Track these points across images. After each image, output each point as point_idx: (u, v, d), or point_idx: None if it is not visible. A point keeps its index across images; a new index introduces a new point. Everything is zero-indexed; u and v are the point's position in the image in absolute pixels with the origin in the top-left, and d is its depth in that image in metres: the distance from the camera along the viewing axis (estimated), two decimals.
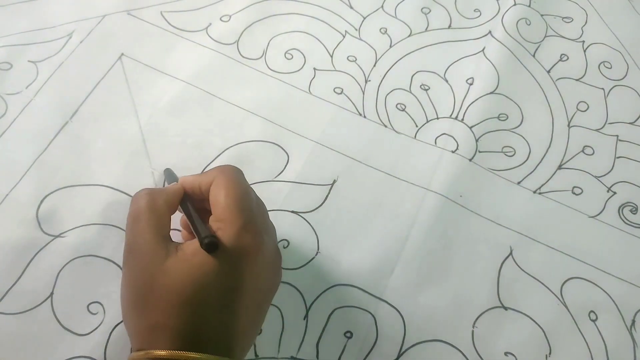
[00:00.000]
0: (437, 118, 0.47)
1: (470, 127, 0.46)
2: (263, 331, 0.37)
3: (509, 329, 0.39)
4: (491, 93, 0.48)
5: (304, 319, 0.38)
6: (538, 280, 0.41)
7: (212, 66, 0.47)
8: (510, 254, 0.42)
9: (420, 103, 0.47)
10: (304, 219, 0.41)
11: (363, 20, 0.51)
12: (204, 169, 0.42)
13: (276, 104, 0.46)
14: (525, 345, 0.39)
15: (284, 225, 0.40)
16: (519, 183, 0.44)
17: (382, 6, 0.52)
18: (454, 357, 0.38)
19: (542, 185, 0.45)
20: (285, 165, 0.43)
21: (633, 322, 0.40)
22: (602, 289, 0.41)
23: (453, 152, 0.45)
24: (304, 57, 0.48)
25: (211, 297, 0.29)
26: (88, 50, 0.46)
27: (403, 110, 0.47)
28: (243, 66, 0.47)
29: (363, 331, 0.38)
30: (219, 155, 0.43)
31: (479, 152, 0.45)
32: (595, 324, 0.40)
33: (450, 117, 0.47)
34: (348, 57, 0.49)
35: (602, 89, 0.50)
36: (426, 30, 0.51)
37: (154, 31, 0.48)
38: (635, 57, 0.52)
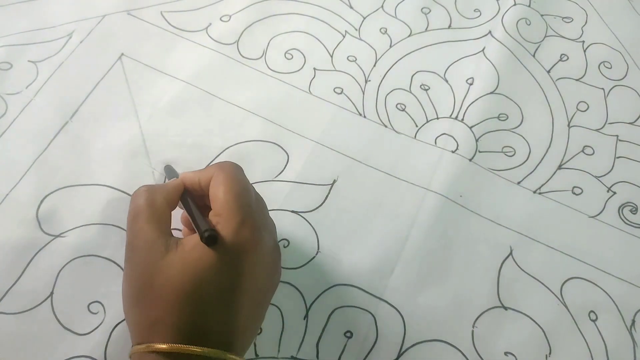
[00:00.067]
0: (437, 118, 0.47)
1: (470, 127, 0.46)
2: (263, 331, 0.37)
3: (509, 329, 0.39)
4: (491, 93, 0.48)
5: (304, 319, 0.38)
6: (538, 280, 0.41)
7: (212, 66, 0.47)
8: (510, 254, 0.42)
9: (420, 103, 0.47)
10: (304, 218, 0.41)
11: (363, 20, 0.51)
12: None
13: (276, 104, 0.46)
14: (525, 345, 0.39)
15: (284, 225, 0.40)
16: (519, 183, 0.45)
17: (382, 6, 0.52)
18: (454, 357, 0.38)
19: (542, 185, 0.45)
20: (285, 165, 0.43)
21: (633, 322, 0.40)
22: (602, 289, 0.41)
23: (453, 152, 0.45)
24: (304, 57, 0.48)
25: (210, 291, 0.29)
26: (88, 50, 0.46)
27: (403, 110, 0.47)
28: (243, 66, 0.47)
29: (363, 331, 0.38)
30: (219, 155, 0.43)
31: (479, 152, 0.45)
32: (595, 324, 0.40)
33: (450, 117, 0.47)
34: (348, 57, 0.49)
35: (602, 89, 0.50)
36: (426, 30, 0.51)
37: (154, 31, 0.48)
38: (635, 57, 0.52)
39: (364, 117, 0.46)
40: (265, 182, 0.42)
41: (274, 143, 0.44)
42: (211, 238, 0.29)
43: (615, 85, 0.50)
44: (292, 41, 0.49)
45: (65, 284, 0.37)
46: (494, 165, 0.45)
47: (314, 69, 0.48)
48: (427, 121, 0.46)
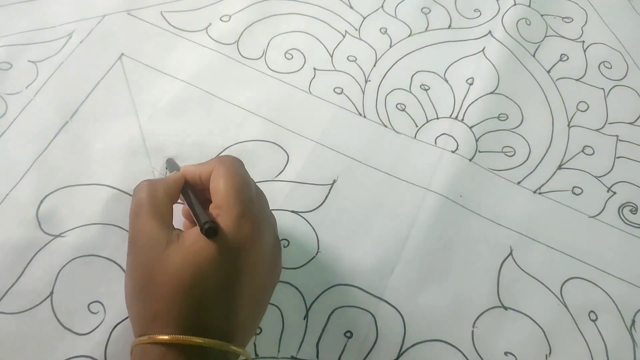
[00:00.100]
0: (437, 118, 0.47)
1: (470, 127, 0.46)
2: (263, 331, 0.37)
3: (509, 329, 0.39)
4: (491, 93, 0.48)
5: (304, 319, 0.38)
6: (538, 280, 0.41)
7: (212, 66, 0.47)
8: (510, 254, 0.42)
9: (420, 103, 0.47)
10: (304, 218, 0.41)
11: (363, 20, 0.51)
12: None
13: (276, 104, 0.46)
14: (525, 345, 0.38)
15: (284, 225, 0.40)
16: (519, 183, 0.45)
17: (382, 6, 0.52)
18: (454, 357, 0.38)
19: (542, 185, 0.45)
20: (285, 165, 0.43)
21: (633, 322, 0.40)
22: (602, 289, 0.41)
23: (453, 152, 0.45)
24: (304, 57, 0.48)
25: (210, 283, 0.29)
26: (88, 50, 0.46)
27: (403, 110, 0.47)
28: (243, 66, 0.47)
29: (363, 331, 0.38)
30: (219, 154, 0.43)
31: (479, 152, 0.45)
32: (595, 324, 0.40)
33: (450, 117, 0.47)
34: (348, 57, 0.49)
35: (602, 89, 0.50)
36: (426, 30, 0.51)
37: (154, 31, 0.48)
38: (635, 57, 0.52)
39: (364, 117, 0.46)
40: (265, 182, 0.42)
41: (274, 143, 0.44)
42: (211, 230, 0.29)
43: (615, 85, 0.50)
44: (292, 41, 0.49)
45: (65, 284, 0.37)
46: (494, 165, 0.45)
47: (314, 69, 0.48)
48: (427, 121, 0.46)
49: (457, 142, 0.45)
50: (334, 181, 0.43)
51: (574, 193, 0.45)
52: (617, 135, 0.48)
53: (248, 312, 0.31)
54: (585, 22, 0.54)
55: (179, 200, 0.34)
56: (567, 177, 0.45)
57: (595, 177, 0.45)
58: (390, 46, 0.50)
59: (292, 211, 0.41)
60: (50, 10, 0.48)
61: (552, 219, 0.43)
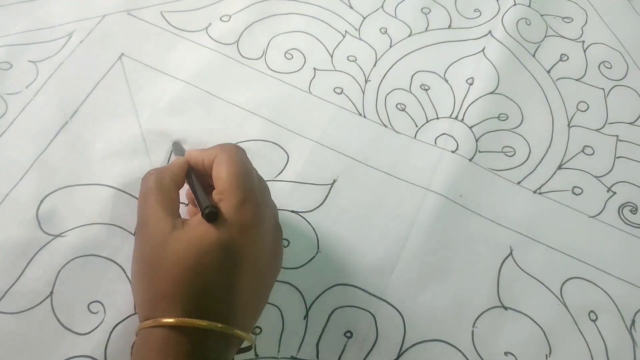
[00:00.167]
0: (437, 118, 0.47)
1: (470, 127, 0.46)
2: (263, 331, 0.37)
3: (509, 329, 0.39)
4: (491, 93, 0.48)
5: (304, 319, 0.38)
6: (538, 280, 0.41)
7: (212, 66, 0.47)
8: (510, 254, 0.42)
9: (420, 103, 0.47)
10: (304, 218, 0.41)
11: (363, 20, 0.51)
12: None
13: (276, 104, 0.46)
14: (525, 345, 0.38)
15: (284, 225, 0.40)
16: (519, 183, 0.44)
17: (382, 6, 0.52)
18: (454, 357, 0.38)
19: (542, 185, 0.45)
20: (285, 165, 0.43)
21: (633, 322, 0.40)
22: (602, 289, 0.41)
23: (453, 152, 0.45)
24: (304, 57, 0.48)
25: (211, 267, 0.29)
26: (88, 50, 0.46)
27: (403, 110, 0.47)
28: (243, 66, 0.47)
29: (363, 331, 0.38)
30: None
31: (479, 152, 0.45)
32: (595, 324, 0.40)
33: (450, 117, 0.47)
34: (348, 57, 0.49)
35: (602, 89, 0.50)
36: (426, 30, 0.51)
37: (154, 31, 0.48)
38: (635, 57, 0.52)
39: (364, 117, 0.46)
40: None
41: (274, 143, 0.44)
42: (211, 214, 0.30)
43: (615, 85, 0.50)
44: (292, 41, 0.49)
45: (65, 284, 0.37)
46: (494, 165, 0.45)
47: (314, 69, 0.48)
48: (427, 121, 0.46)
49: (457, 142, 0.45)
50: (334, 181, 0.43)
51: (574, 193, 0.45)
52: (617, 135, 0.48)
53: (249, 297, 0.31)
54: (585, 22, 0.54)
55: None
56: (567, 177, 0.45)
57: (595, 177, 0.45)
58: (390, 46, 0.50)
59: (292, 211, 0.41)
60: (50, 10, 0.48)
61: (552, 219, 0.43)
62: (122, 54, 0.46)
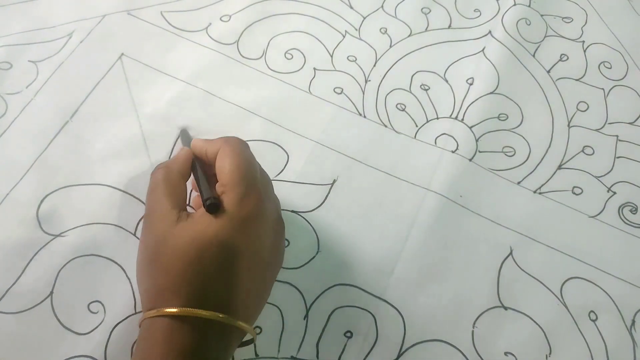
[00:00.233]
0: (437, 118, 0.47)
1: (470, 127, 0.46)
2: (263, 331, 0.37)
3: (509, 329, 0.39)
4: (491, 93, 0.48)
5: (304, 319, 0.38)
6: (538, 280, 0.41)
7: (212, 66, 0.47)
8: (510, 254, 0.42)
9: (420, 103, 0.47)
10: (304, 218, 0.41)
11: (363, 20, 0.51)
12: None
13: (276, 104, 0.46)
14: (525, 345, 0.38)
15: None
16: (519, 183, 0.45)
17: (382, 6, 0.52)
18: (454, 357, 0.38)
19: (542, 185, 0.45)
20: (285, 165, 0.43)
21: (633, 322, 0.40)
22: (602, 289, 0.41)
23: (453, 152, 0.45)
24: (304, 57, 0.48)
25: (212, 259, 0.30)
26: (88, 50, 0.46)
27: (403, 110, 0.47)
28: (243, 66, 0.47)
29: (363, 331, 0.38)
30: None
31: (479, 152, 0.45)
32: (595, 324, 0.40)
33: (450, 117, 0.47)
34: (348, 57, 0.49)
35: (602, 89, 0.50)
36: (426, 30, 0.51)
37: (154, 31, 0.48)
38: (635, 57, 0.52)
39: (364, 117, 0.46)
40: None
41: (274, 143, 0.44)
42: (212, 206, 0.30)
43: (615, 85, 0.50)
44: (292, 41, 0.49)
45: (65, 284, 0.37)
46: (494, 165, 0.45)
47: (314, 69, 0.48)
48: (427, 121, 0.46)
49: (457, 142, 0.45)
50: (334, 181, 0.43)
51: (574, 193, 0.45)
52: (617, 135, 0.48)
53: (250, 289, 0.31)
54: (585, 22, 0.54)
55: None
56: (567, 177, 0.45)
57: (595, 177, 0.45)
58: (390, 46, 0.50)
59: (292, 211, 0.41)
60: (50, 10, 0.48)
61: (552, 219, 0.43)
62: (122, 54, 0.46)
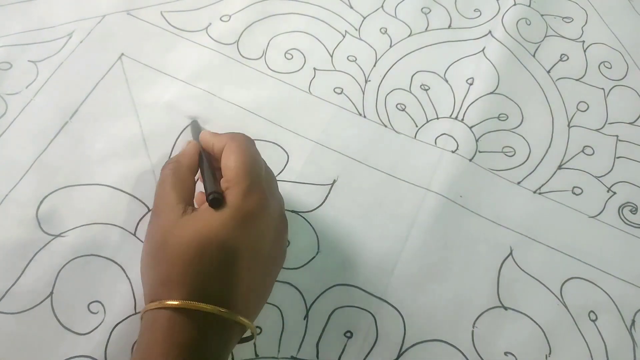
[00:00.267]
0: (437, 118, 0.47)
1: (470, 127, 0.46)
2: (263, 331, 0.37)
3: (509, 329, 0.39)
4: (491, 93, 0.48)
5: (304, 319, 0.38)
6: (538, 280, 0.41)
7: (212, 66, 0.47)
8: (510, 254, 0.42)
9: (420, 103, 0.47)
10: (304, 218, 0.41)
11: (363, 20, 0.51)
12: None
13: (276, 104, 0.46)
14: (525, 345, 0.38)
15: None
16: (519, 183, 0.44)
17: (382, 6, 0.52)
18: (454, 357, 0.38)
19: (542, 185, 0.45)
20: (285, 165, 0.43)
21: (633, 322, 0.40)
22: (602, 289, 0.41)
23: (453, 152, 0.45)
24: (304, 57, 0.48)
25: (214, 254, 0.30)
26: (88, 50, 0.46)
27: (403, 110, 0.47)
28: (243, 66, 0.47)
29: (363, 331, 0.38)
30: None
31: (479, 152, 0.45)
32: (595, 324, 0.40)
33: (450, 117, 0.47)
34: (348, 57, 0.49)
35: (602, 89, 0.50)
36: (426, 30, 0.51)
37: (154, 31, 0.48)
38: (635, 57, 0.52)
39: (364, 117, 0.46)
40: None
41: (274, 143, 0.44)
42: (215, 200, 0.31)
43: (615, 85, 0.50)
44: (292, 41, 0.49)
45: (65, 284, 0.37)
46: (494, 165, 0.45)
47: (314, 69, 0.48)
48: (427, 121, 0.46)
49: (457, 142, 0.45)
50: (334, 181, 0.43)
51: (574, 193, 0.45)
52: (617, 135, 0.48)
53: (251, 285, 0.31)
54: (585, 22, 0.54)
55: None
56: (567, 177, 0.45)
57: (595, 177, 0.45)
58: (390, 46, 0.50)
59: (292, 211, 0.41)
60: (50, 10, 0.48)
61: (552, 219, 0.43)
62: (122, 54, 0.46)
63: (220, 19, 0.49)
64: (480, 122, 0.46)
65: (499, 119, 0.47)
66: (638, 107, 0.49)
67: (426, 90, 0.48)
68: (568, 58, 0.51)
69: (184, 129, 0.43)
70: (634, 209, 0.44)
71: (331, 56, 0.49)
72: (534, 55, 0.51)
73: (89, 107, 0.44)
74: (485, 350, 0.38)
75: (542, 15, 0.53)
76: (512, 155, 0.46)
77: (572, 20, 0.54)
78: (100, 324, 0.36)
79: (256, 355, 0.36)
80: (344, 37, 0.50)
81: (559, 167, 0.46)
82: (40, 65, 0.45)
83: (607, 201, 0.45)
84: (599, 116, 0.49)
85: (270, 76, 0.47)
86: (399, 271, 0.40)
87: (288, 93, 0.46)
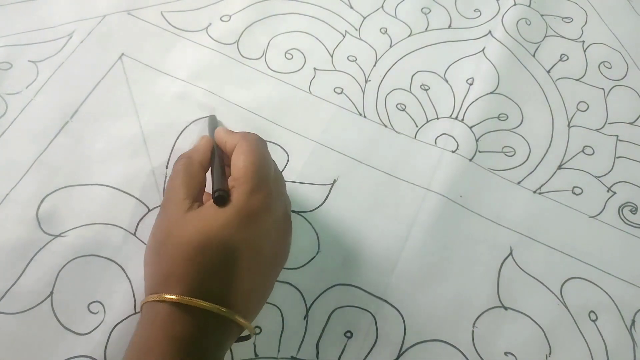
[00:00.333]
0: (437, 118, 0.47)
1: (471, 127, 0.46)
2: (263, 331, 0.37)
3: (509, 329, 0.39)
4: (491, 93, 0.48)
5: (304, 319, 0.38)
6: (538, 280, 0.41)
7: (212, 66, 0.47)
8: (510, 254, 0.42)
9: (420, 103, 0.47)
10: (305, 218, 0.41)
11: (363, 20, 0.51)
12: None
13: (276, 104, 0.46)
14: (525, 345, 0.39)
15: None
16: (519, 183, 0.44)
17: (382, 6, 0.52)
18: (454, 357, 0.38)
19: (542, 185, 0.45)
20: (286, 165, 0.43)
21: (633, 322, 0.40)
22: (602, 289, 0.41)
23: (453, 152, 0.45)
24: (304, 57, 0.48)
25: (215, 251, 0.30)
26: (88, 50, 0.46)
27: (403, 110, 0.47)
28: (243, 66, 0.47)
29: (363, 331, 0.38)
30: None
31: (479, 152, 0.45)
32: (595, 324, 0.40)
33: (450, 117, 0.47)
34: (348, 57, 0.49)
35: (602, 89, 0.50)
36: (426, 30, 0.51)
37: (154, 31, 0.48)
38: (635, 57, 0.52)
39: (364, 117, 0.46)
40: None
41: (274, 143, 0.44)
42: (220, 198, 0.31)
43: (615, 85, 0.50)
44: (292, 41, 0.49)
45: (65, 284, 0.37)
46: (494, 165, 0.45)
47: (314, 69, 0.48)
48: (427, 121, 0.46)
49: (457, 142, 0.45)
50: (334, 181, 0.43)
51: (574, 193, 0.45)
52: (617, 135, 0.48)
53: (250, 284, 0.31)
54: (585, 22, 0.54)
55: None
56: (567, 177, 0.45)
57: (595, 177, 0.45)
58: (391, 46, 0.50)
59: (293, 211, 0.41)
60: (50, 10, 0.48)
61: (552, 219, 0.43)
62: (122, 54, 0.46)
63: (221, 19, 0.49)
64: (480, 122, 0.46)
65: (499, 119, 0.47)
66: (638, 107, 0.49)
67: (426, 90, 0.48)
68: (568, 58, 0.51)
69: (184, 128, 0.43)
70: (634, 209, 0.44)
71: (331, 56, 0.49)
72: (534, 55, 0.51)
73: (89, 107, 0.44)
74: (485, 350, 0.38)
75: (542, 15, 0.53)
76: (512, 155, 0.46)
77: (572, 20, 0.54)
78: (100, 324, 0.36)
79: (256, 355, 0.36)
80: (344, 37, 0.50)
81: (559, 167, 0.46)
82: (40, 65, 0.45)
83: (607, 201, 0.45)
84: (599, 116, 0.49)
85: (271, 76, 0.47)
86: (399, 271, 0.40)
87: (288, 93, 0.46)
